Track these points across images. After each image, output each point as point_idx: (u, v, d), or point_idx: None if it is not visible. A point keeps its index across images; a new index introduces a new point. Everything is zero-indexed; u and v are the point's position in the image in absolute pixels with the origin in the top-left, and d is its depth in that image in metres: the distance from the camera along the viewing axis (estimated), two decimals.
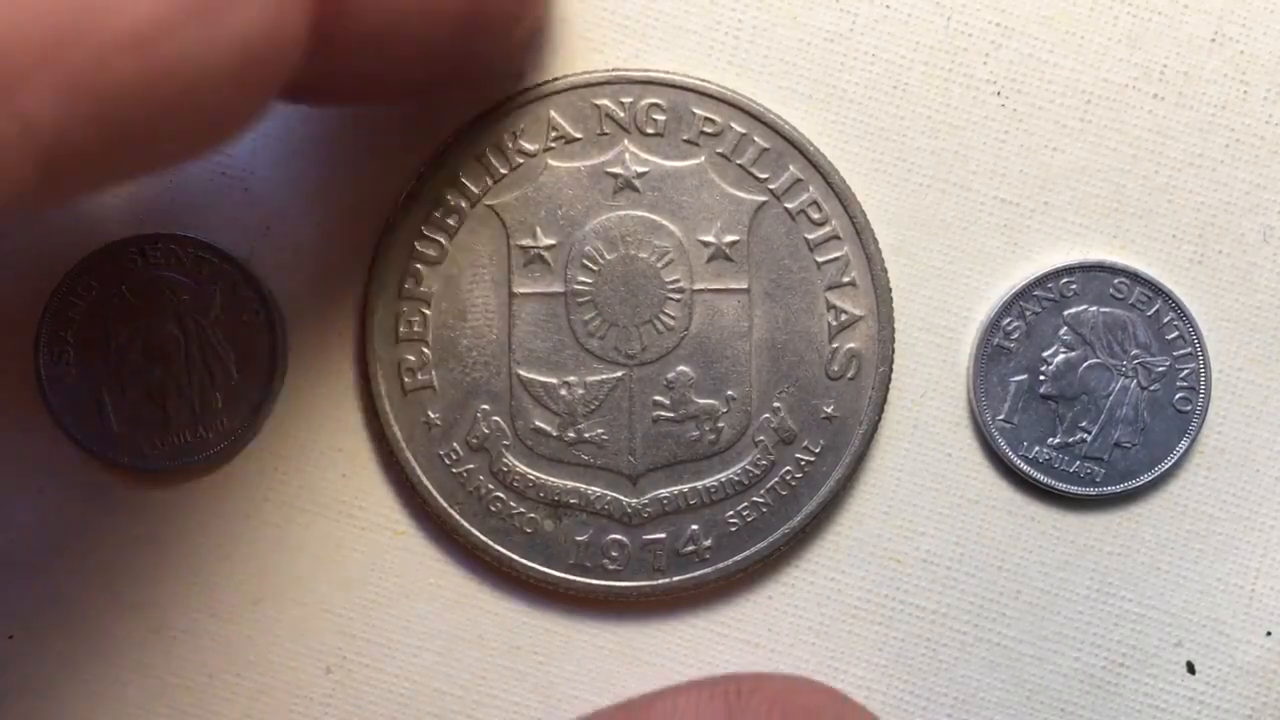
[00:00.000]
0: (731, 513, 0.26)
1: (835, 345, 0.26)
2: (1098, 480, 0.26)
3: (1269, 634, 0.26)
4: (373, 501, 0.27)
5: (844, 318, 0.26)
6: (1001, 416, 0.26)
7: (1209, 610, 0.26)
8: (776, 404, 0.26)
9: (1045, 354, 0.26)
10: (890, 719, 0.27)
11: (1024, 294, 0.26)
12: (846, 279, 0.26)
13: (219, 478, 0.27)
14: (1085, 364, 0.26)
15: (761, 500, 0.26)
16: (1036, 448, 0.26)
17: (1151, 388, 0.26)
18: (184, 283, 0.26)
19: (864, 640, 0.26)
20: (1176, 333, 0.26)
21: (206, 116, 0.18)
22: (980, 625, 0.27)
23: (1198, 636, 0.26)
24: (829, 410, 0.26)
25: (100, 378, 0.26)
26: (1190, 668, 0.26)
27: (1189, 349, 0.26)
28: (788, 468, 0.26)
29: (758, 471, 0.26)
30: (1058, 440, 0.26)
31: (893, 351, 0.26)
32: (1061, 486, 0.26)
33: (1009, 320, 0.26)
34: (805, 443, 0.26)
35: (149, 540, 0.26)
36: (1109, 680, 0.27)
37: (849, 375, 0.26)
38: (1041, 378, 0.26)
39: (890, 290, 0.26)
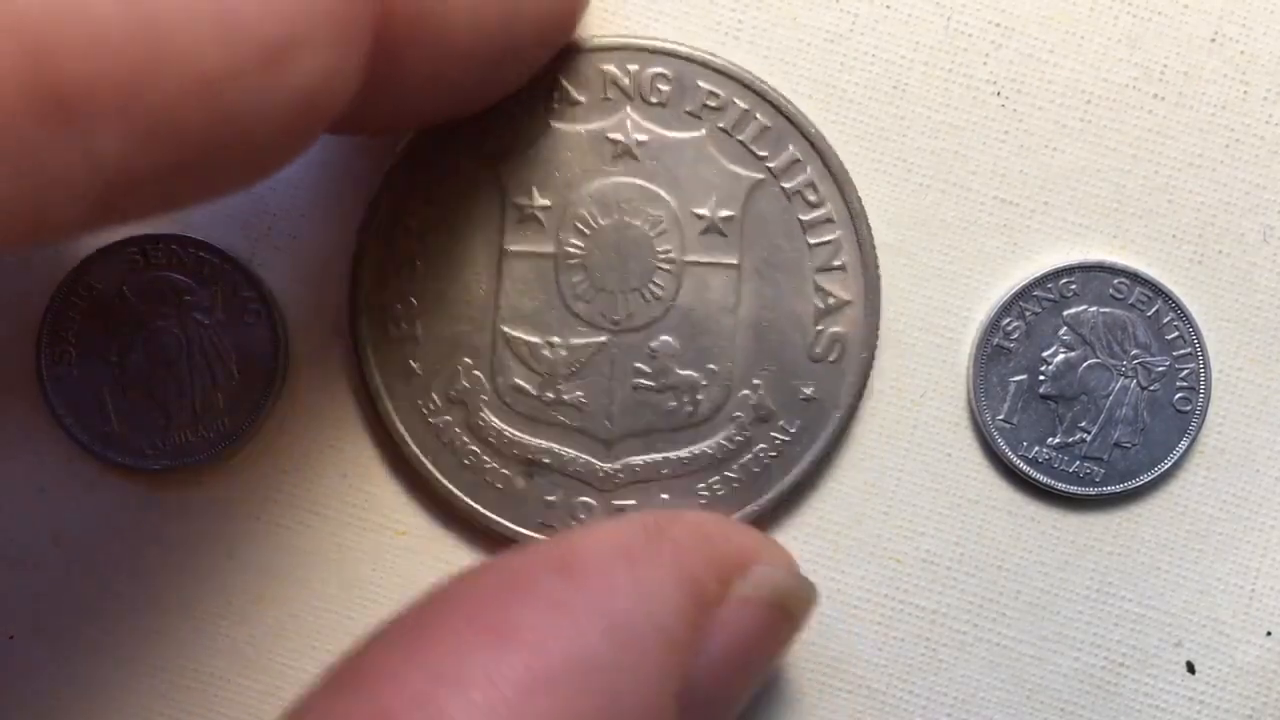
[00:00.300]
0: (702, 485, 0.26)
1: (820, 328, 0.26)
2: (1097, 480, 0.26)
3: (1269, 634, 0.26)
4: (375, 501, 0.27)
5: (831, 301, 0.26)
6: (1001, 416, 0.26)
7: (1209, 610, 0.26)
8: (756, 381, 0.26)
9: (1045, 354, 0.26)
10: (890, 719, 0.27)
11: (1024, 294, 0.26)
12: (837, 263, 0.26)
13: (220, 478, 0.27)
14: (1085, 364, 0.26)
15: (733, 475, 0.26)
16: (1036, 448, 0.26)
17: (1151, 388, 0.26)
18: (185, 283, 0.26)
19: (864, 640, 0.26)
20: (1176, 333, 0.26)
21: (259, 155, 0.19)
22: (980, 625, 0.27)
23: (1198, 636, 0.26)
24: (808, 392, 0.26)
25: (101, 378, 0.26)
26: (1190, 668, 0.26)
27: (1189, 349, 0.26)
28: (762, 445, 0.26)
29: (732, 447, 0.26)
30: (1057, 440, 0.26)
31: (877, 338, 0.26)
32: (1061, 486, 0.26)
33: (1009, 320, 0.26)
34: (781, 422, 0.26)
35: (150, 540, 0.26)
36: (1109, 680, 0.27)
37: (831, 359, 0.26)
38: (1041, 378, 0.26)
39: (879, 277, 0.26)
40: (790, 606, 0.23)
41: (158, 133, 0.16)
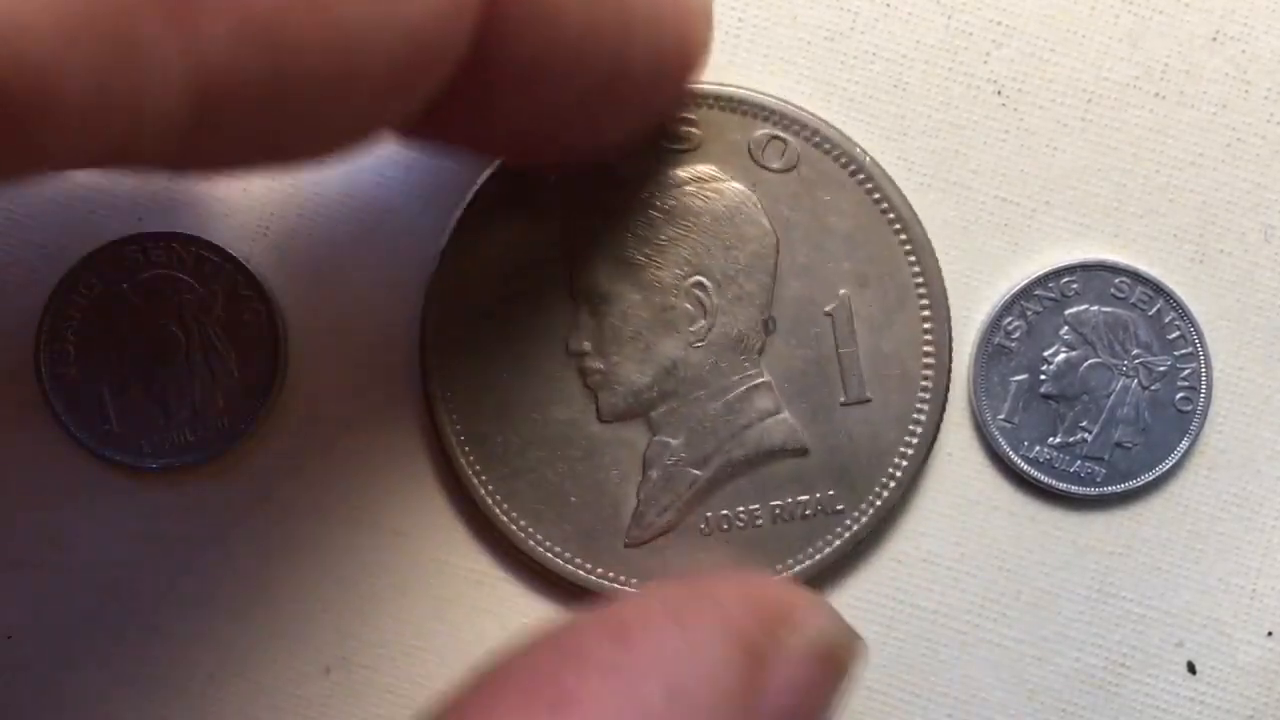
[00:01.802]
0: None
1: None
2: (1098, 480, 0.26)
3: (1270, 634, 0.26)
4: (372, 501, 0.27)
5: None
6: (1002, 416, 0.26)
7: (1210, 610, 0.26)
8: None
9: (1046, 353, 0.26)
10: (890, 719, 0.27)
11: (1025, 293, 0.26)
12: None
13: (220, 477, 0.27)
14: (1086, 364, 0.26)
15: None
16: (1037, 447, 0.26)
17: (1152, 387, 0.26)
18: (185, 282, 0.26)
19: (864, 640, 0.26)
20: (1177, 332, 0.26)
21: (351, 105, 0.18)
22: (980, 625, 0.26)
23: (1199, 637, 0.26)
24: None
25: (101, 376, 0.26)
26: (1191, 668, 0.26)
27: (1190, 349, 0.26)
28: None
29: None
30: (1058, 440, 0.26)
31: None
32: (1062, 486, 0.26)
33: (1010, 320, 0.26)
34: None
35: (149, 539, 0.26)
36: (1109, 680, 0.26)
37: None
38: (1042, 377, 0.26)
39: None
40: (839, 656, 0.23)
41: (265, 37, 0.16)
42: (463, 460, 0.26)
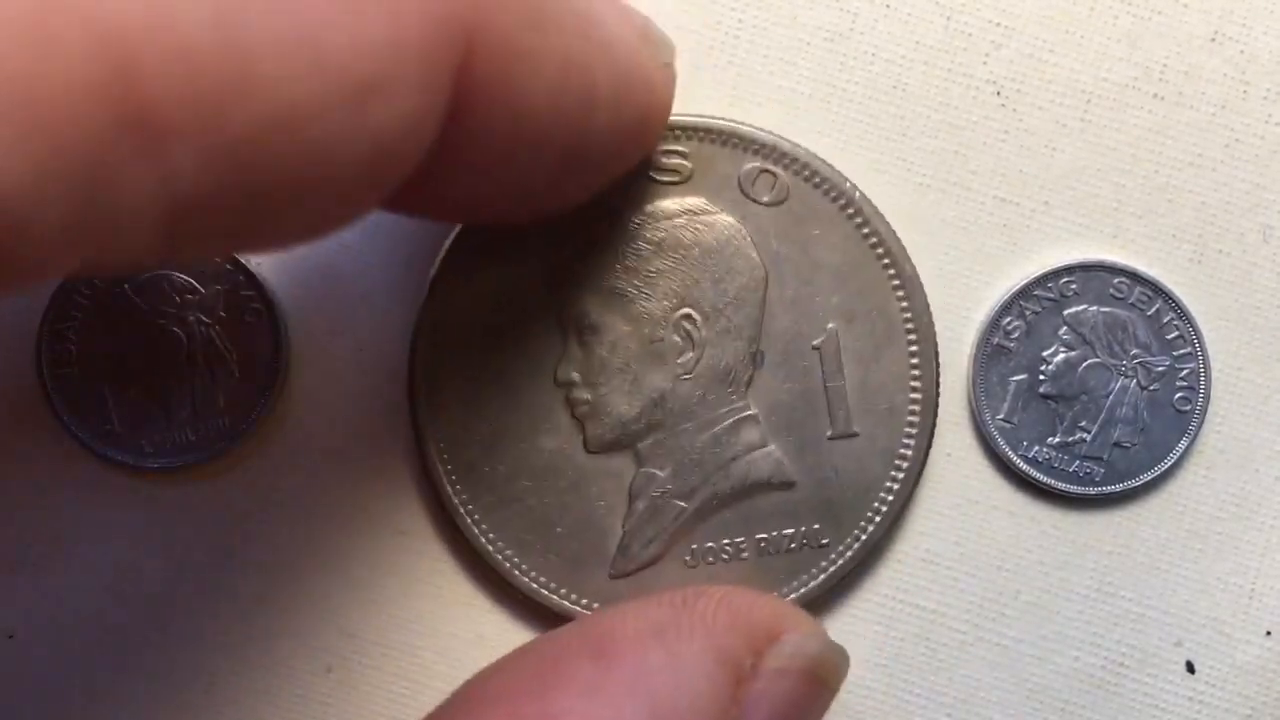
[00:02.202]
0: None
1: None
2: (1097, 480, 0.26)
3: (1269, 633, 0.26)
4: (373, 500, 0.27)
5: None
6: (1001, 416, 0.26)
7: (1209, 610, 0.26)
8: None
9: (1045, 353, 0.26)
10: (890, 719, 0.27)
11: (1024, 293, 0.26)
12: None
13: (220, 477, 0.27)
14: (1085, 364, 0.26)
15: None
16: (1036, 447, 0.26)
17: (1151, 387, 0.26)
18: (187, 282, 0.26)
19: (864, 640, 0.26)
20: (1176, 332, 0.26)
21: (329, 201, 0.18)
22: (980, 625, 0.27)
23: (1197, 636, 0.26)
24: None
25: (102, 376, 0.26)
26: (1190, 667, 0.26)
27: (1189, 349, 0.26)
28: None
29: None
30: (1057, 440, 0.26)
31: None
32: (1061, 486, 0.26)
33: (1009, 320, 0.26)
34: None
35: (150, 539, 0.27)
36: (1109, 680, 0.27)
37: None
38: (1041, 377, 0.26)
39: None
40: (823, 674, 0.23)
41: (235, 160, 0.16)
42: (450, 490, 0.26)
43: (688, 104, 0.26)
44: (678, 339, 0.25)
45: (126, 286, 0.26)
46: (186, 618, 0.27)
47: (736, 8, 0.26)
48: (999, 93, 0.26)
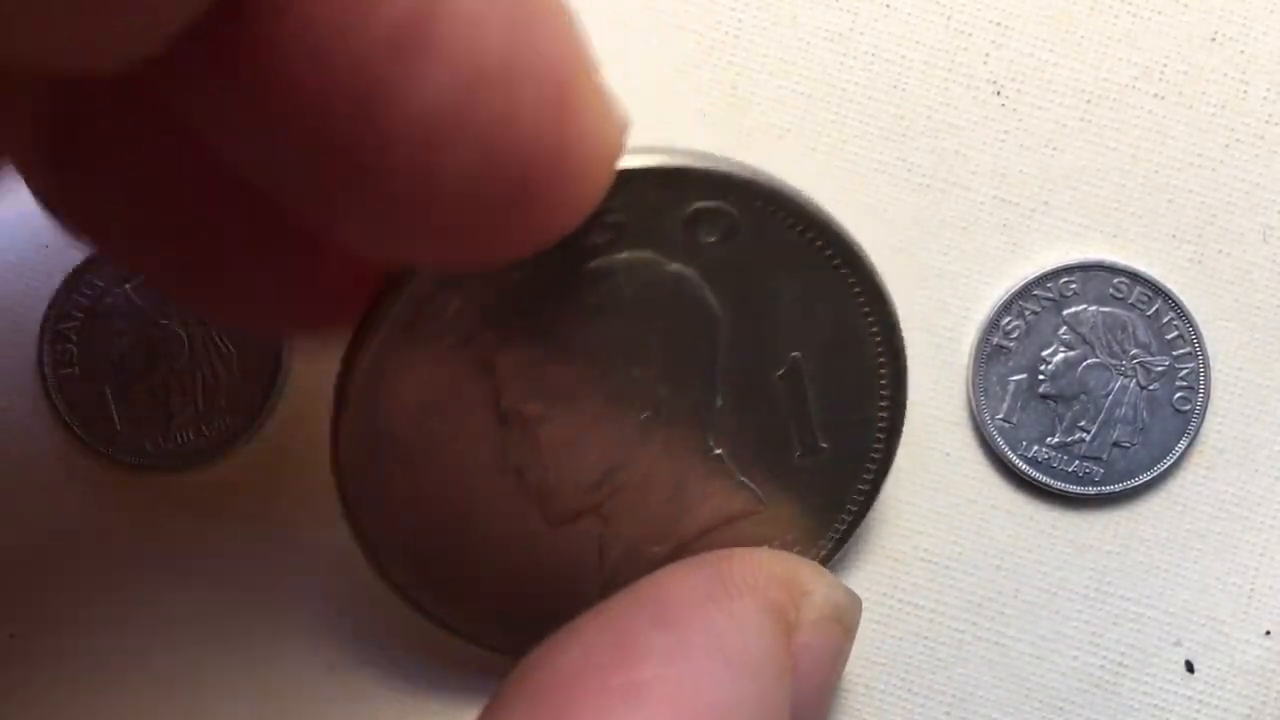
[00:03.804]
0: None
1: None
2: (1097, 480, 0.26)
3: (1268, 633, 0.26)
4: None
5: None
6: (1001, 416, 0.26)
7: (1208, 609, 0.26)
8: None
9: (1044, 353, 0.26)
10: (889, 718, 0.27)
11: (1023, 293, 0.26)
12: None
13: (222, 477, 0.27)
14: (1084, 363, 0.26)
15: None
16: (1035, 447, 0.26)
17: (1151, 387, 0.26)
18: None
19: (862, 638, 0.26)
20: (1176, 332, 0.26)
21: None
22: (979, 624, 0.27)
23: (1197, 636, 0.26)
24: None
25: (104, 376, 0.26)
26: (1189, 667, 0.26)
27: (1188, 348, 0.26)
28: None
29: None
30: (1057, 440, 0.26)
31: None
32: (1060, 486, 0.26)
33: (1008, 320, 0.26)
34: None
35: (151, 539, 0.27)
36: (1108, 679, 0.27)
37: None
38: (1041, 377, 0.26)
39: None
40: (848, 621, 0.24)
41: None
42: (401, 594, 0.24)
43: (688, 103, 0.26)
44: (632, 399, 0.23)
45: (128, 286, 0.26)
46: (189, 617, 0.27)
47: (736, 8, 0.26)
48: (999, 92, 0.26)
